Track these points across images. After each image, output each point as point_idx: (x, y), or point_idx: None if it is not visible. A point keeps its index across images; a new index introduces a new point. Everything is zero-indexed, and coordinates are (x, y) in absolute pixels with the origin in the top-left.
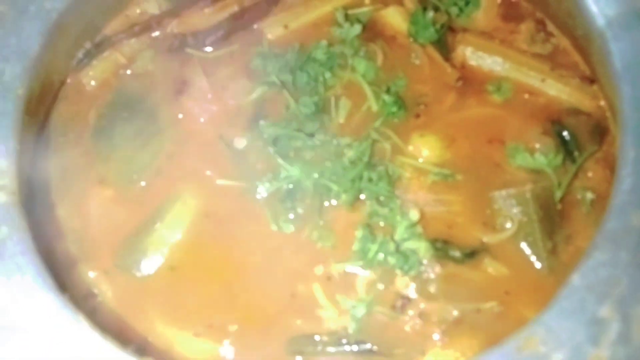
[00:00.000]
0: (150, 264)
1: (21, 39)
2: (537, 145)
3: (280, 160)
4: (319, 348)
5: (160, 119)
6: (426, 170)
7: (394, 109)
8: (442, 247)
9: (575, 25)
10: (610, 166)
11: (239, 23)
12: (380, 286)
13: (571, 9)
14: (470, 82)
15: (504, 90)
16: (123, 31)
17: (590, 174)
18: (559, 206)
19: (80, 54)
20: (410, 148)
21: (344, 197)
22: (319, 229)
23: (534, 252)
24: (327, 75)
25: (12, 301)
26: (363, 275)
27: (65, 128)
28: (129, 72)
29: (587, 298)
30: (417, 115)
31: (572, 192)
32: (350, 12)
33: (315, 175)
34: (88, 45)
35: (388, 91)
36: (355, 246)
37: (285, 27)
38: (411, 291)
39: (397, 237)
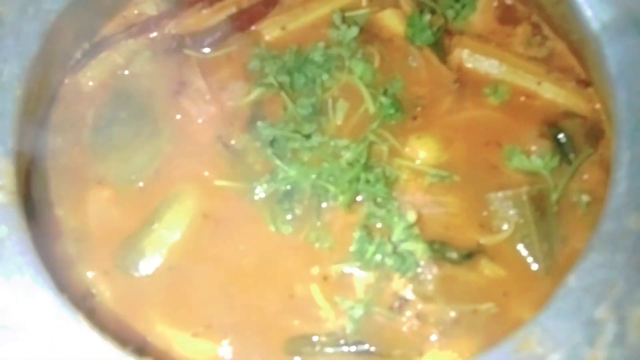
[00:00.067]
0: (148, 265)
1: (19, 40)
2: (534, 148)
3: (277, 162)
4: (317, 349)
5: (158, 119)
6: (423, 172)
7: (391, 111)
8: (439, 249)
9: (571, 29)
10: (606, 169)
11: (237, 24)
12: (378, 287)
13: (566, 13)
14: (467, 84)
15: (501, 93)
16: (121, 32)
17: (586, 177)
18: (555, 208)
19: (78, 55)
20: (408, 150)
21: (341, 198)
22: (317, 230)
23: (531, 254)
24: (325, 77)
25: (11, 301)
26: (361, 276)
27: (63, 128)
28: (126, 72)
29: (583, 299)
30: (414, 118)
31: (568, 195)
32: (347, 14)
33: (313, 177)
34: (86, 46)
35: (385, 93)
36: (353, 247)
37: (283, 28)
38: (408, 292)
39: (394, 238)
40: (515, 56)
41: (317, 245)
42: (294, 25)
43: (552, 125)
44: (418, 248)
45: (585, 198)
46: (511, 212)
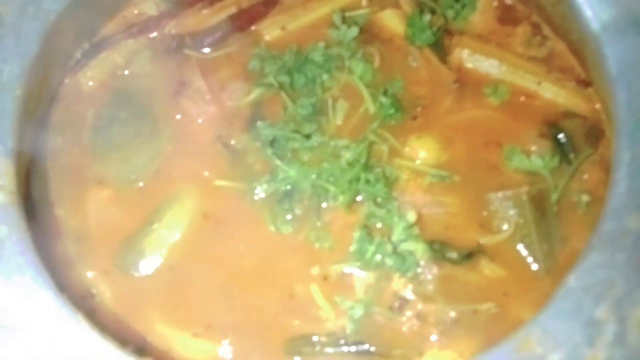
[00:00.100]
0: (148, 265)
1: (20, 40)
2: (534, 148)
3: (277, 162)
4: (317, 349)
5: (158, 119)
6: (423, 172)
7: (391, 111)
8: (439, 249)
9: (571, 29)
10: (606, 169)
11: (237, 24)
12: (378, 287)
13: (566, 13)
14: (467, 84)
15: (501, 93)
16: (121, 32)
17: (586, 177)
18: (555, 208)
19: (78, 55)
20: (408, 150)
21: (341, 198)
22: (317, 230)
23: (531, 254)
24: (325, 77)
25: (11, 301)
26: (361, 276)
27: (63, 128)
28: (126, 72)
29: (583, 299)
30: (414, 118)
31: (568, 195)
32: (347, 14)
33: (313, 177)
34: (86, 46)
35: (385, 93)
36: (353, 247)
37: (283, 28)
38: (408, 292)
39: (394, 238)
40: (515, 56)
41: (317, 245)
42: (294, 25)
43: (552, 125)
44: (418, 248)
45: (585, 198)
46: (511, 212)
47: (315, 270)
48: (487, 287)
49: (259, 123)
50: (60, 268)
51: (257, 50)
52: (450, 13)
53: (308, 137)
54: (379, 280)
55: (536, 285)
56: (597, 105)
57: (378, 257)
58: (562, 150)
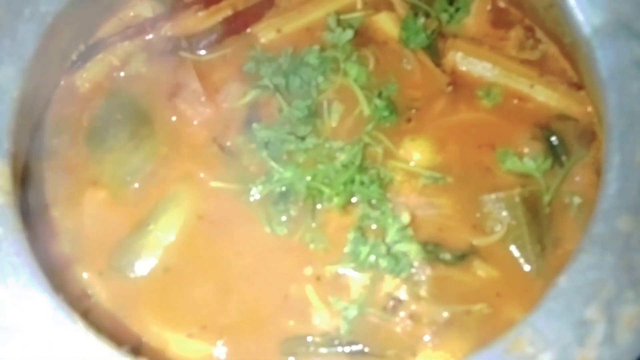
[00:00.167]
0: (144, 266)
1: (16, 41)
2: (526, 150)
3: (273, 163)
4: (312, 349)
5: (153, 121)
6: (417, 174)
7: (386, 113)
8: (432, 250)
9: (563, 32)
10: (598, 171)
11: (233, 27)
12: (372, 288)
13: (559, 17)
14: (461, 87)
15: (494, 96)
16: (117, 34)
17: (577, 179)
18: (547, 210)
19: (74, 57)
20: (402, 152)
21: (336, 200)
22: (312, 231)
23: (523, 255)
24: (320, 79)
25: (7, 302)
26: (355, 277)
27: (59, 130)
28: (122, 74)
29: (574, 300)
30: (409, 120)
31: (560, 196)
32: (342, 17)
33: (308, 178)
34: (82, 47)
35: (380, 96)
36: (347, 248)
37: (278, 31)
38: (402, 293)
39: (388, 239)
40: (508, 59)
41: (311, 246)
42: (289, 27)
43: (544, 127)
44: (412, 249)
45: (577, 200)
46: (504, 213)
47: (309, 271)
48: (480, 287)
49: (255, 125)
50: (55, 269)
51: (253, 53)
52: (444, 16)
53: (303, 139)
54: (373, 281)
55: (528, 286)
56: (589, 108)
57: (372, 258)
58: (554, 153)
